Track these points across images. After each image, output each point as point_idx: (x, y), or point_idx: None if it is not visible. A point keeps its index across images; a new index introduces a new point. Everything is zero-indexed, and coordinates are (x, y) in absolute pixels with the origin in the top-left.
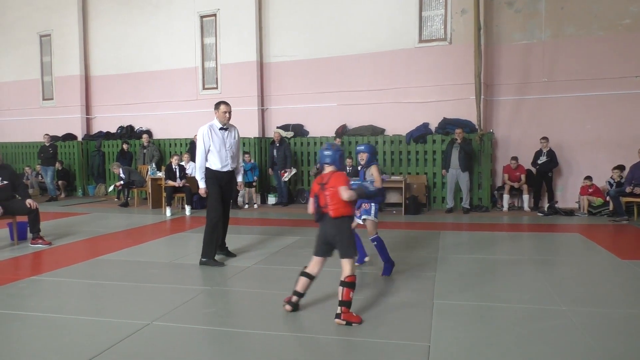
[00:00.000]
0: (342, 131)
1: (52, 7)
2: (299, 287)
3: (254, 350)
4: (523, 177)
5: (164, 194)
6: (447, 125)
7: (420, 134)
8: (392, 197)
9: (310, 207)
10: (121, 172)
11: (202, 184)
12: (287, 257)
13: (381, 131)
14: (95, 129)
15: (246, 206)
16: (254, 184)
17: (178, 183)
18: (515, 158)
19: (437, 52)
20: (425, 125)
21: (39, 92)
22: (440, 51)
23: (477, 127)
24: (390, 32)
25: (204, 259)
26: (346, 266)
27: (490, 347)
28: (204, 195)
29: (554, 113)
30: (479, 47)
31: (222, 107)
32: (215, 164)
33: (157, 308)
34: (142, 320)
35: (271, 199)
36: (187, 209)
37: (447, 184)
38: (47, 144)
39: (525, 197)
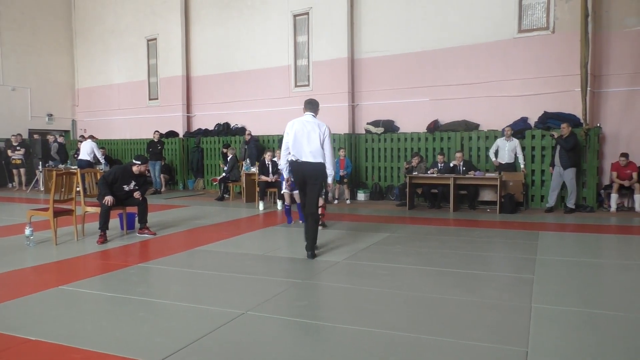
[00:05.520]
0: (433, 127)
1: (158, 13)
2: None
3: (342, 344)
4: (635, 175)
5: (257, 189)
6: (548, 120)
7: (518, 129)
8: (486, 195)
9: None
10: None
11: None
12: (375, 254)
13: (475, 126)
14: (194, 126)
15: (335, 201)
16: (345, 180)
17: (271, 178)
18: (625, 155)
19: (537, 42)
20: (524, 120)
21: (146, 92)
22: (542, 41)
23: (582, 121)
24: (487, 23)
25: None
26: None
27: (596, 359)
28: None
29: None
30: (586, 35)
31: None
32: None
33: (251, 298)
34: (238, 309)
35: (360, 195)
36: (279, 203)
37: (548, 181)
38: (156, 140)
39: (637, 196)
